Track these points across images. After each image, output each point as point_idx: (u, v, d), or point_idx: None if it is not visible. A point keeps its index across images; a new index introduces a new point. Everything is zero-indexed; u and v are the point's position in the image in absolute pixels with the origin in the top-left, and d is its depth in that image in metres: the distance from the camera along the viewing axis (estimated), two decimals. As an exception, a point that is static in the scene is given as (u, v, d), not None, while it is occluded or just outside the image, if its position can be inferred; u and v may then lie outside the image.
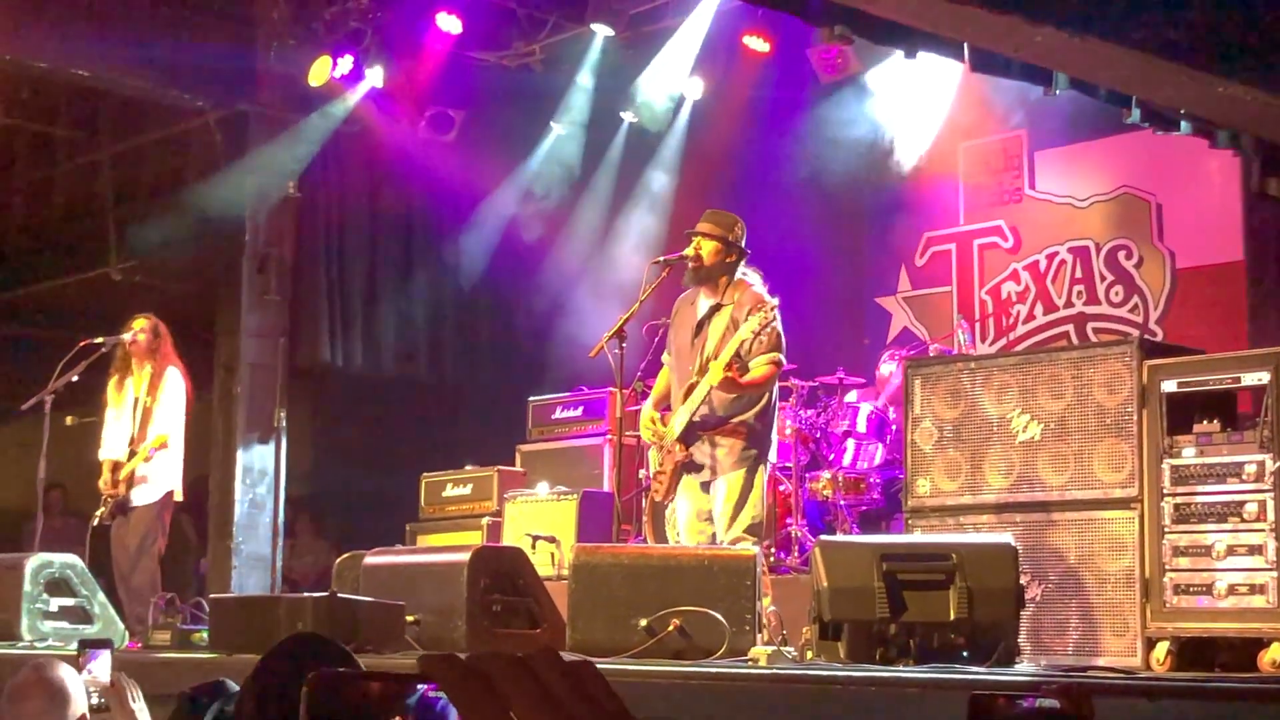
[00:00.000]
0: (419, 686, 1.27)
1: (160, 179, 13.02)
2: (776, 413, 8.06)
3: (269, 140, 12.29)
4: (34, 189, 14.47)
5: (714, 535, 7.66)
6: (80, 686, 4.53)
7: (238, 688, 3.78)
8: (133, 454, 9.52)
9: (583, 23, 11.81)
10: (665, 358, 8.19)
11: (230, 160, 12.33)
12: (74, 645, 5.37)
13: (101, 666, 4.52)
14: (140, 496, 9.49)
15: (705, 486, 7.74)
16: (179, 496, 9.69)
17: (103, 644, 4.65)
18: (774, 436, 8.02)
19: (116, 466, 9.58)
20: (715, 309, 7.78)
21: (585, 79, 12.60)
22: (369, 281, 13.30)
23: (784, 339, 7.75)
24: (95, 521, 9.53)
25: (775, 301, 7.69)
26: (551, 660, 1.20)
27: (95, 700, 4.51)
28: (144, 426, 9.56)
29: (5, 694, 4.58)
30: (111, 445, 9.67)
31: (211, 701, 3.79)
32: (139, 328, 9.66)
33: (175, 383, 9.63)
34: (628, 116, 12.74)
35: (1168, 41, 7.61)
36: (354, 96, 12.18)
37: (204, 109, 12.38)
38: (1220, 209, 10.59)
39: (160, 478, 9.53)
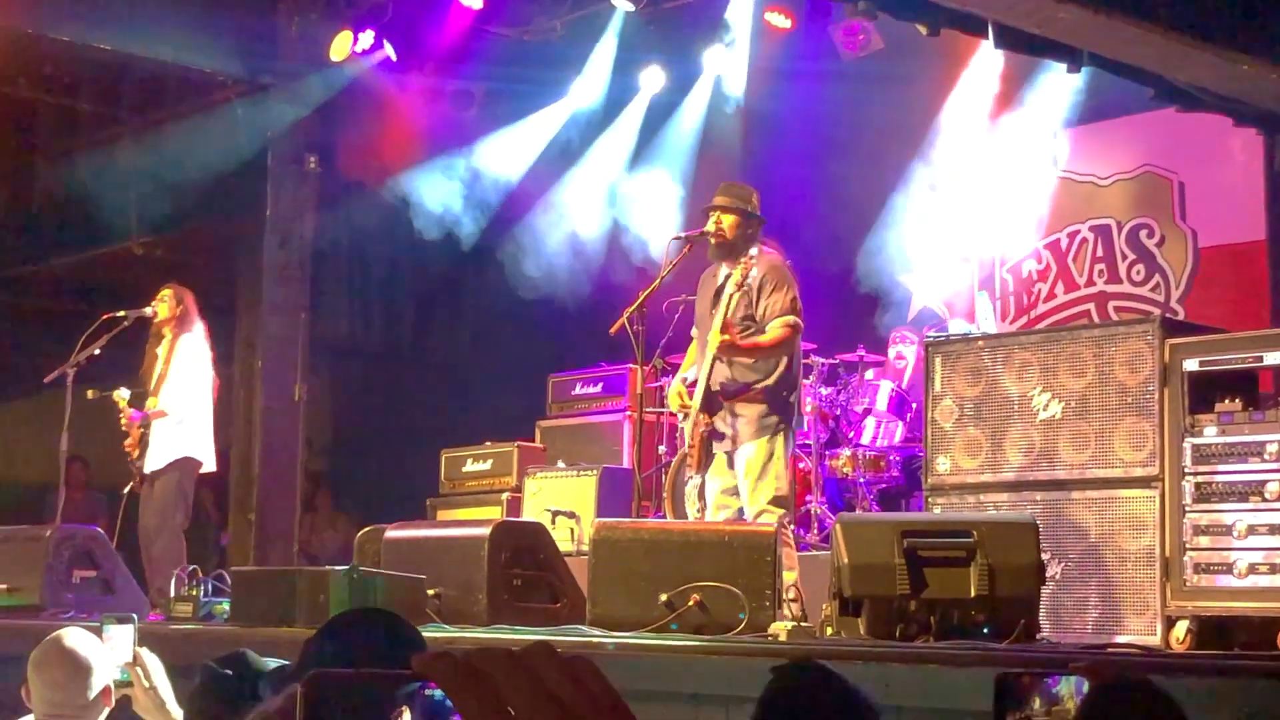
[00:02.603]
0: (416, 684, 1.28)
1: (182, 153, 13.03)
2: (800, 379, 8.03)
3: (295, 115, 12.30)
4: (56, 163, 14.49)
5: (740, 510, 7.64)
6: (104, 657, 4.55)
7: (260, 659, 3.79)
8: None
9: (603, -3, 11.81)
10: (694, 332, 8.20)
11: (252, 134, 12.33)
12: (96, 617, 5.40)
13: (124, 641, 4.54)
14: (150, 463, 9.52)
15: (729, 458, 7.72)
16: (209, 467, 9.71)
17: (125, 619, 4.66)
18: (796, 402, 7.97)
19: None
20: (729, 278, 7.76)
21: (605, 52, 12.55)
22: (389, 257, 13.32)
23: (799, 302, 7.73)
24: (127, 489, 9.59)
25: (772, 262, 7.67)
26: (548, 655, 1.20)
27: (118, 675, 4.53)
28: (155, 394, 9.61)
29: (29, 664, 4.60)
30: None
31: (236, 674, 3.80)
32: (161, 298, 9.72)
33: (188, 352, 9.63)
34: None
35: (1192, 19, 7.59)
36: (364, 62, 12.13)
37: (226, 83, 12.38)
38: (1243, 188, 10.56)
39: (166, 446, 9.51)
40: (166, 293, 9.76)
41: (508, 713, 1.16)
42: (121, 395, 9.57)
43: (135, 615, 4.84)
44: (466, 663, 1.19)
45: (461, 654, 1.20)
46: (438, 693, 1.22)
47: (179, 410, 9.52)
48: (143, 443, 9.54)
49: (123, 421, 9.58)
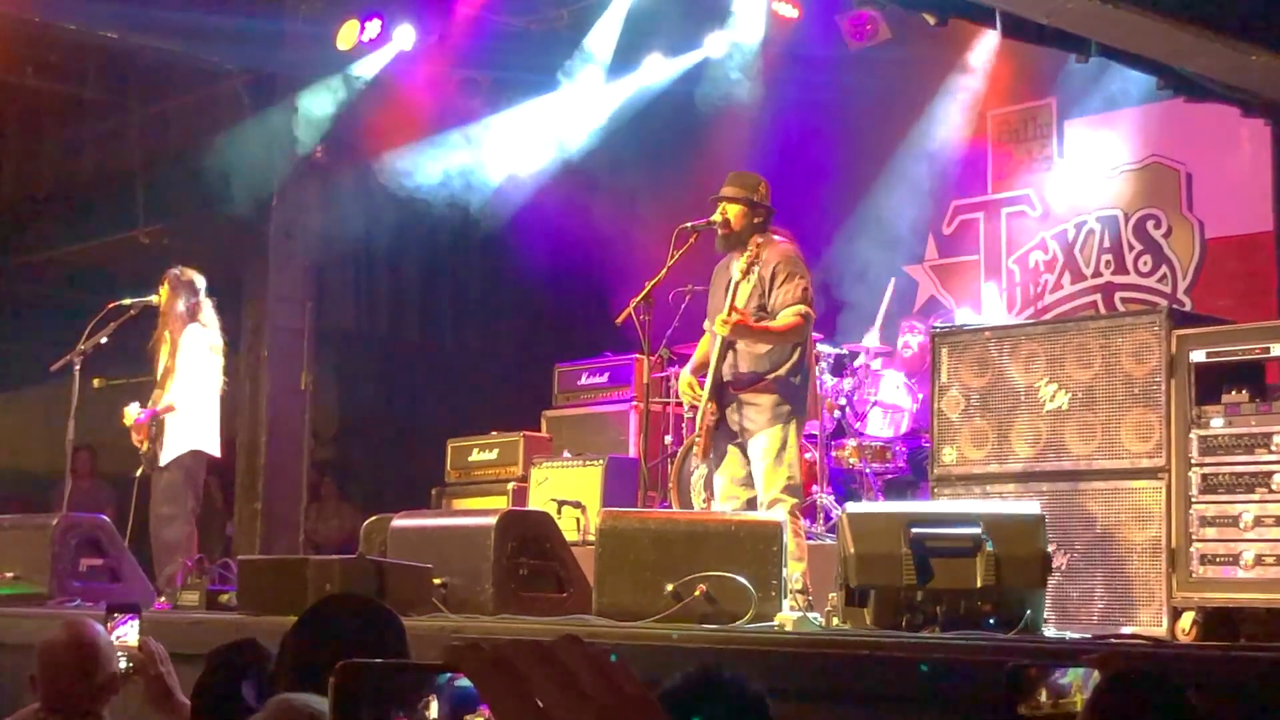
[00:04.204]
0: (446, 675, 1.28)
1: (188, 142, 13.02)
2: (810, 369, 8.01)
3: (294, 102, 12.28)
4: (62, 152, 14.48)
5: (748, 500, 7.63)
6: (111, 645, 4.56)
7: (267, 648, 3.80)
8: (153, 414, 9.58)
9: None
10: (706, 324, 8.17)
11: (259, 124, 12.33)
12: (103, 605, 5.41)
13: (129, 631, 4.56)
14: (164, 457, 9.51)
15: (741, 449, 7.71)
16: (214, 453, 9.66)
17: (130, 608, 4.68)
18: (805, 392, 7.95)
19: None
20: (746, 270, 7.75)
21: (609, 39, 12.51)
22: (395, 246, 13.31)
23: (811, 292, 7.73)
24: (137, 474, 9.57)
25: (784, 252, 7.66)
26: (576, 647, 1.20)
27: (123, 664, 4.54)
28: (162, 387, 9.60)
29: (37, 653, 4.61)
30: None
31: (243, 662, 3.81)
32: (160, 282, 9.68)
33: (193, 344, 9.58)
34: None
35: (1200, 9, 7.58)
36: (382, 59, 12.14)
37: (232, 72, 12.37)
38: (1250, 179, 10.54)
39: (179, 438, 9.47)
40: (166, 278, 9.71)
41: (536, 705, 1.17)
42: (131, 413, 9.52)
43: (140, 605, 4.85)
44: (496, 654, 1.19)
45: (491, 646, 1.20)
46: (467, 684, 1.22)
47: (186, 404, 9.48)
48: (153, 436, 9.51)
49: (135, 434, 9.54)
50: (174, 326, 9.59)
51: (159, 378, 9.61)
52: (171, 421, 9.49)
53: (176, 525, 9.37)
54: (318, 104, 12.19)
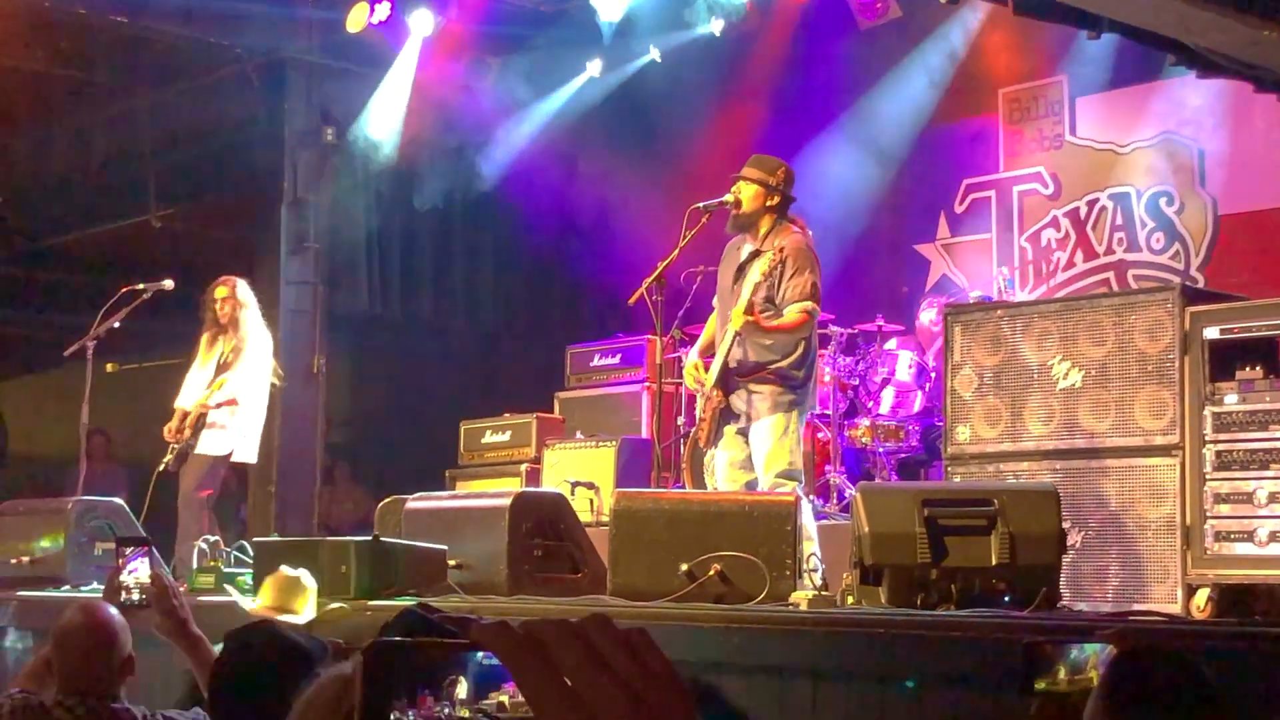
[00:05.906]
0: (474, 654, 1.29)
1: (199, 126, 13.03)
2: (816, 361, 8.04)
3: (311, 87, 12.29)
4: (73, 137, 14.49)
5: (747, 484, 7.65)
6: (126, 627, 4.57)
7: (285, 630, 3.81)
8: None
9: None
10: (715, 302, 8.18)
11: (269, 107, 12.33)
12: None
13: (141, 566, 4.58)
14: (205, 445, 9.50)
15: (743, 434, 7.74)
16: (251, 459, 9.74)
17: (140, 542, 4.70)
18: (813, 385, 7.98)
19: (185, 416, 9.58)
20: (755, 255, 7.76)
21: (619, 17, 12.47)
22: (407, 228, 13.31)
23: (819, 287, 7.73)
24: (161, 467, 9.55)
25: (796, 244, 7.65)
26: (604, 626, 1.21)
27: (137, 597, 4.57)
28: (223, 375, 9.61)
29: (53, 635, 4.63)
30: (186, 395, 9.66)
31: (260, 644, 3.82)
32: (220, 297, 9.67)
33: (258, 350, 9.63)
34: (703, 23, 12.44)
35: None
36: (412, 53, 12.13)
37: (242, 56, 12.36)
38: (1263, 155, 10.52)
39: (229, 434, 9.52)
40: (224, 291, 9.70)
41: (564, 683, 1.17)
42: (196, 401, 9.57)
43: (150, 539, 4.86)
44: (524, 633, 1.19)
45: (519, 624, 1.20)
46: (494, 661, 1.23)
47: (244, 397, 9.54)
48: (197, 425, 9.50)
49: (183, 420, 9.55)
50: (241, 336, 9.60)
51: (217, 372, 9.59)
52: (225, 417, 9.51)
53: (191, 510, 9.41)
54: (385, 130, 12.21)
